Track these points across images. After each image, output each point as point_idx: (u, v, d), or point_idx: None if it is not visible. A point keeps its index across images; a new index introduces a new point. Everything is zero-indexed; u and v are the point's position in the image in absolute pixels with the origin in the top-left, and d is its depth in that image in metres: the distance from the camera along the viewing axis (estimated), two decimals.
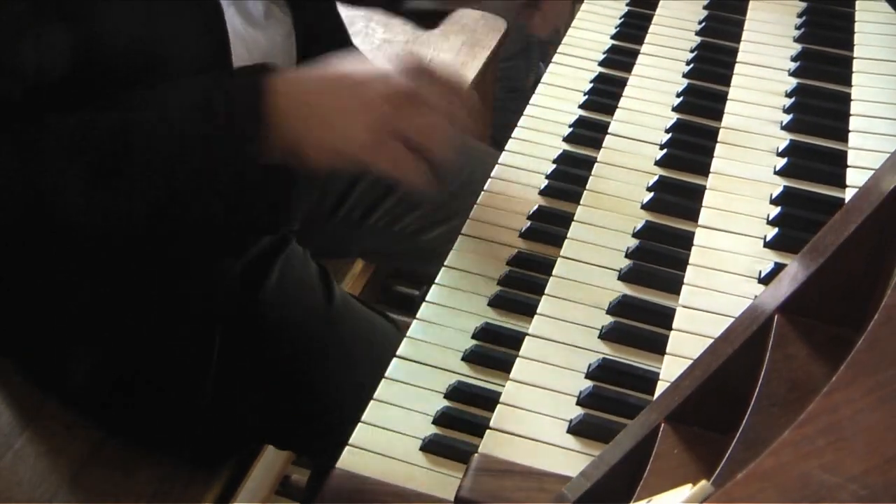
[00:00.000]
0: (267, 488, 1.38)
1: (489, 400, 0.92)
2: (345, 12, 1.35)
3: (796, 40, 1.41)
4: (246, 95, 0.95)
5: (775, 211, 1.10)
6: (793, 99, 1.28)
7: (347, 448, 0.87)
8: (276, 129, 0.95)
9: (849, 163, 1.16)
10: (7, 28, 0.91)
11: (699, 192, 1.14)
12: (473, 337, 0.98)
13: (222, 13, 1.05)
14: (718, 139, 1.22)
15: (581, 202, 1.13)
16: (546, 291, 1.02)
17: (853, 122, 1.22)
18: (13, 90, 0.93)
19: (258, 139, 0.95)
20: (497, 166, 1.21)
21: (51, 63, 0.93)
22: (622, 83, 1.34)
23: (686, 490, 0.51)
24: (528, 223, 1.12)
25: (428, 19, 1.32)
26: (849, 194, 1.12)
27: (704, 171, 1.17)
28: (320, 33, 1.25)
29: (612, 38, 1.46)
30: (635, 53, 1.41)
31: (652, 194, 1.14)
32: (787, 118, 1.25)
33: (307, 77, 0.99)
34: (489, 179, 1.19)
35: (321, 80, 0.98)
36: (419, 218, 1.48)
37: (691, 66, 1.37)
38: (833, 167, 1.16)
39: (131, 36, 0.97)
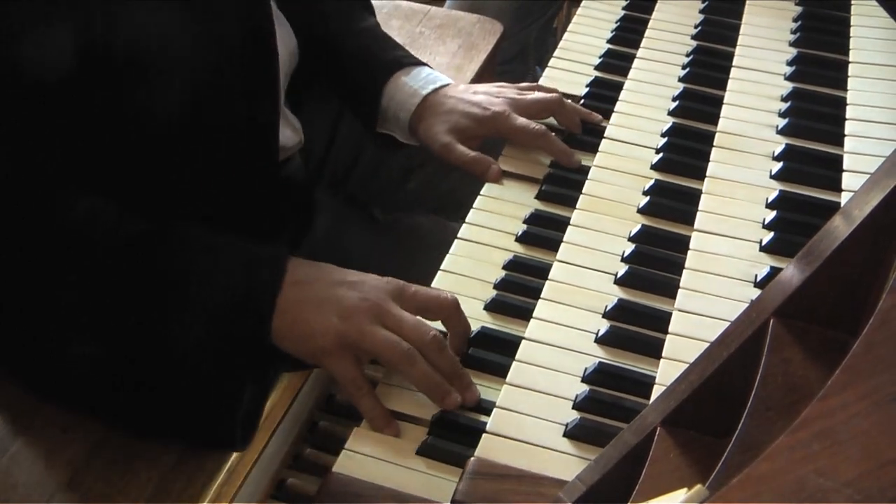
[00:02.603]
0: (262, 492, 1.38)
1: (485, 403, 0.92)
2: None
3: (792, 44, 1.42)
4: (261, 303, 0.96)
5: (771, 215, 1.10)
6: (788, 103, 1.29)
7: (344, 452, 0.87)
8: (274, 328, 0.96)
9: (844, 167, 1.16)
10: (9, 27, 0.91)
11: (695, 196, 1.14)
12: (470, 341, 0.98)
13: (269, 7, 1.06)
14: (714, 143, 1.22)
15: (577, 206, 1.14)
16: (542, 295, 1.02)
17: (849, 127, 1.23)
18: (14, 89, 0.93)
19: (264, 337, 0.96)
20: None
21: (53, 63, 0.93)
22: (618, 87, 1.35)
23: (681, 494, 0.51)
24: (525, 227, 1.12)
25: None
26: (844, 198, 1.12)
27: (700, 175, 1.17)
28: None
29: (609, 41, 1.46)
30: (631, 57, 1.41)
31: (648, 198, 1.14)
32: (782, 122, 1.25)
33: (315, 276, 0.99)
34: (486, 183, 1.19)
35: (324, 280, 0.98)
36: (399, 165, 1.50)
37: (687, 70, 1.37)
38: (829, 171, 1.17)
39: (143, 37, 0.98)
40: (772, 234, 1.08)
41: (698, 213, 1.11)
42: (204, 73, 1.03)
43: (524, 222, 1.13)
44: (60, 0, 0.94)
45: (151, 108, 1.01)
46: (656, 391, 0.90)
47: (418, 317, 0.95)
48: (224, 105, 1.07)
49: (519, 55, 2.45)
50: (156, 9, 0.98)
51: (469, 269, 1.06)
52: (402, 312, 0.94)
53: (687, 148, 1.23)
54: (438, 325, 0.97)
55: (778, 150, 1.21)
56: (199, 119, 1.04)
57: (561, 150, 1.21)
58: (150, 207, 1.00)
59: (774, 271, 1.02)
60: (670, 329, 0.97)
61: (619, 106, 1.31)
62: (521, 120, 1.22)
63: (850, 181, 1.14)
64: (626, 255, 1.07)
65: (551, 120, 1.27)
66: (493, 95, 1.26)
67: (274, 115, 1.12)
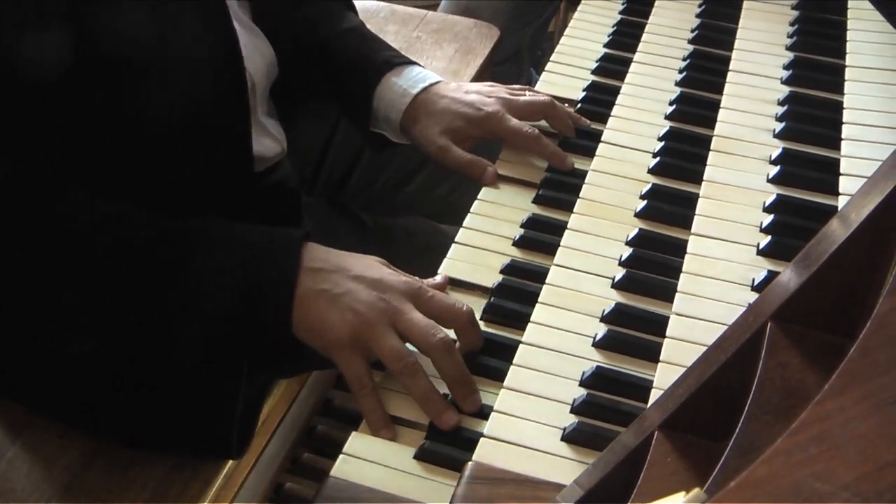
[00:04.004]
0: (260, 496, 1.38)
1: (483, 408, 0.92)
2: None
3: (788, 49, 1.42)
4: (281, 292, 0.96)
5: (768, 219, 1.11)
6: (785, 107, 1.29)
7: (341, 456, 0.87)
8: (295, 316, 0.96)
9: (841, 171, 1.16)
10: (9, 26, 0.91)
11: (692, 200, 1.14)
12: None
13: (228, 13, 1.06)
14: (711, 147, 1.22)
15: (575, 210, 1.14)
16: (540, 300, 1.02)
17: (845, 131, 1.23)
18: (12, 89, 0.93)
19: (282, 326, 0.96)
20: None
21: (52, 62, 0.93)
22: (615, 91, 1.35)
23: (679, 498, 0.51)
24: (522, 231, 1.12)
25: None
26: (841, 202, 1.12)
27: (697, 179, 1.17)
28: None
29: (605, 46, 1.47)
30: (628, 62, 1.41)
31: (645, 202, 1.14)
32: (779, 126, 1.25)
33: (333, 265, 0.99)
34: (483, 188, 1.19)
35: (343, 272, 0.98)
36: (396, 171, 1.51)
37: (684, 74, 1.38)
38: (826, 175, 1.17)
39: (134, 36, 0.98)
40: (769, 237, 1.08)
41: (695, 217, 1.11)
42: (184, 75, 1.03)
43: (521, 226, 1.13)
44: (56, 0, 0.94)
45: (145, 110, 1.01)
46: (654, 395, 0.90)
47: (431, 320, 0.95)
48: (199, 109, 1.07)
49: (513, 56, 2.45)
50: (134, 9, 0.99)
51: (466, 273, 1.06)
52: (415, 314, 0.95)
53: (684, 152, 1.23)
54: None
55: (775, 153, 1.21)
56: (182, 122, 1.05)
57: (553, 152, 1.22)
58: (142, 208, 1.00)
59: (772, 275, 1.02)
60: (668, 333, 0.97)
61: (616, 110, 1.31)
62: (515, 122, 1.22)
63: (847, 185, 1.14)
64: (623, 258, 1.07)
65: (544, 124, 1.27)
66: (486, 95, 1.26)
67: (245, 123, 1.12)
